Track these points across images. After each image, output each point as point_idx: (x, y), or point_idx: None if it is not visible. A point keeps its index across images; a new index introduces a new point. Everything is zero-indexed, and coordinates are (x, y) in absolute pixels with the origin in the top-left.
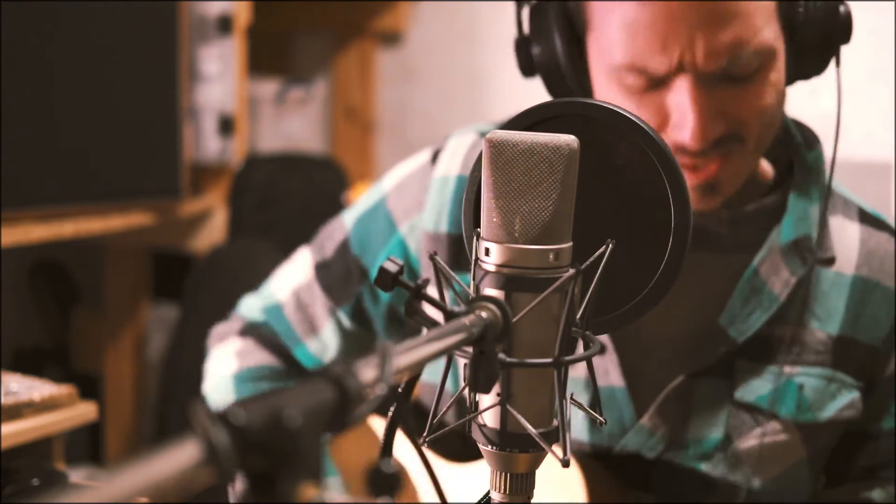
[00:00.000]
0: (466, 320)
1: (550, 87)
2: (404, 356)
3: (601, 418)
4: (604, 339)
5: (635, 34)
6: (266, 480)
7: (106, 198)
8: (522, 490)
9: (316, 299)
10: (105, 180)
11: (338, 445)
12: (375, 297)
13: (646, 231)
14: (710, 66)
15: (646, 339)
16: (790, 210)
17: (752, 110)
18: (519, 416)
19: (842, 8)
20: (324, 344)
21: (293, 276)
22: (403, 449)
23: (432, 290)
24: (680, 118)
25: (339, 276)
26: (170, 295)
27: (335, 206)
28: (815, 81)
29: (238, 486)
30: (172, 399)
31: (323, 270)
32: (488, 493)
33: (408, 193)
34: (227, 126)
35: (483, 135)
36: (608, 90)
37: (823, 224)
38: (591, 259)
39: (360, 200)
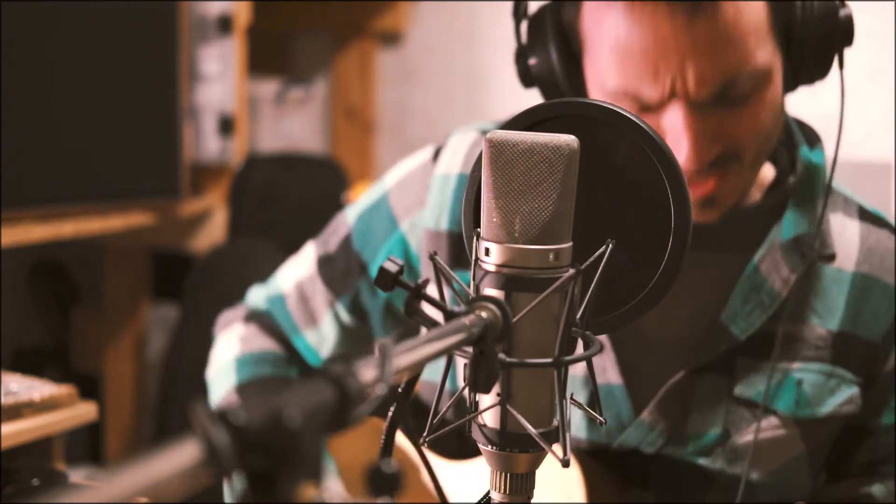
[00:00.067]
0: (466, 320)
1: (548, 99)
2: (404, 356)
3: (601, 418)
4: (601, 337)
5: (626, 62)
6: (266, 480)
7: (106, 198)
8: (522, 490)
9: (317, 292)
10: (105, 180)
11: (337, 444)
12: (374, 292)
13: (646, 231)
14: (703, 92)
15: (644, 337)
16: (791, 208)
17: (748, 131)
18: (519, 416)
19: (842, 11)
20: (322, 336)
21: (298, 268)
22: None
23: (432, 290)
24: (674, 141)
25: (340, 270)
26: (170, 295)
27: (335, 206)
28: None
29: (234, 483)
30: (172, 399)
31: (325, 264)
32: (488, 493)
33: (409, 191)
34: (227, 126)
35: (484, 133)
36: None
37: (822, 222)
38: (591, 259)
39: (363, 197)
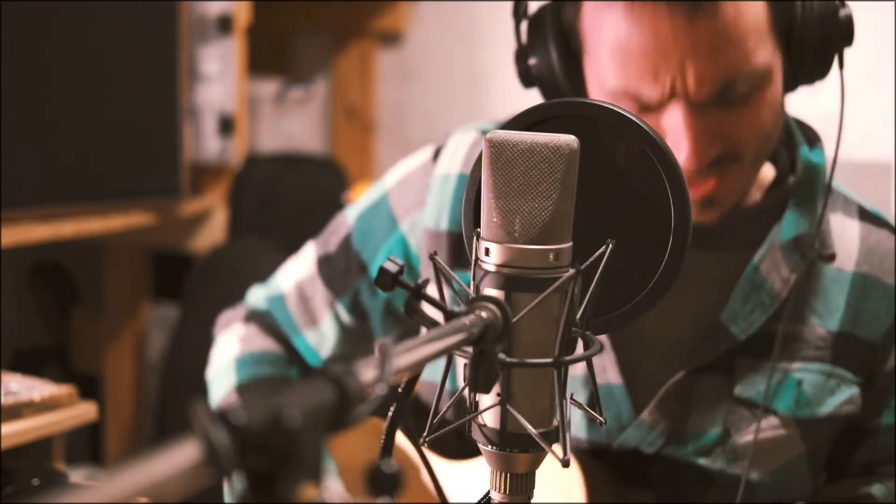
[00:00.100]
0: (466, 320)
1: (548, 99)
2: (404, 356)
3: (601, 418)
4: (601, 336)
5: (626, 63)
6: (266, 480)
7: (106, 198)
8: (522, 490)
9: (317, 292)
10: (105, 180)
11: (337, 444)
12: (373, 292)
13: (646, 231)
14: (703, 93)
15: (644, 337)
16: (791, 208)
17: (748, 131)
18: (519, 416)
19: (842, 11)
20: (322, 335)
21: (298, 268)
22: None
23: (432, 290)
24: (674, 141)
25: (340, 270)
26: (170, 295)
27: (335, 206)
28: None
29: (234, 483)
30: (172, 399)
31: (325, 264)
32: (488, 493)
33: (409, 190)
34: (227, 126)
35: (484, 133)
36: None
37: (822, 222)
38: (591, 259)
39: (363, 197)
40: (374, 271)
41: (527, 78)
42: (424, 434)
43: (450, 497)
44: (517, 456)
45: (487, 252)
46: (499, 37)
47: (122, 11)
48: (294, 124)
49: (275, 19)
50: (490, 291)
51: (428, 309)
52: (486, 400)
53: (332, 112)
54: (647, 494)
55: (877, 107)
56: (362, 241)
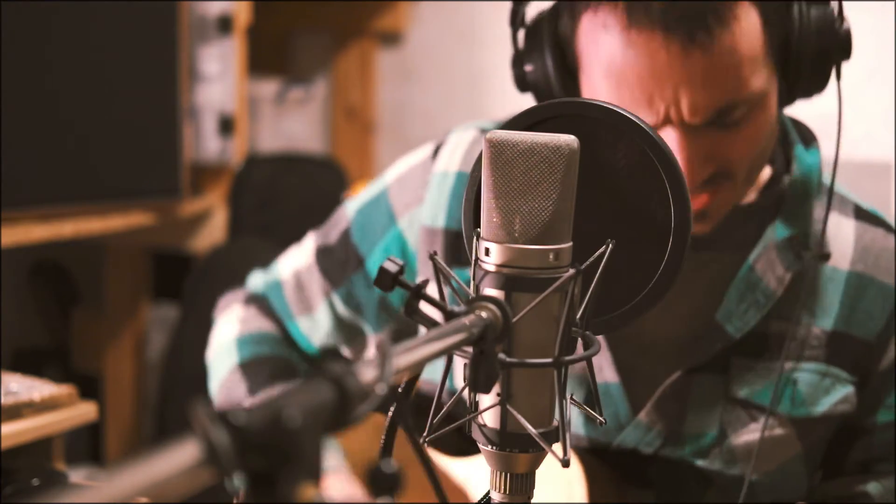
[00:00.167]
0: (466, 320)
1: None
2: (404, 356)
3: (601, 418)
4: None
5: (621, 87)
6: (266, 480)
7: (106, 198)
8: (522, 490)
9: (314, 281)
10: (105, 180)
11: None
12: (369, 286)
13: (646, 231)
14: (697, 119)
15: (640, 336)
16: (785, 207)
17: (741, 152)
18: (519, 416)
19: (840, 26)
20: (315, 323)
21: (297, 257)
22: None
23: (432, 290)
24: None
25: (337, 261)
26: (170, 295)
27: (335, 207)
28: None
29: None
30: (172, 399)
31: (323, 255)
32: (488, 493)
33: (408, 187)
34: (227, 126)
35: (484, 132)
36: None
37: (825, 221)
38: (591, 259)
39: (364, 191)
40: (370, 265)
41: (522, 83)
42: (424, 434)
43: (474, 490)
44: (517, 456)
45: (487, 252)
46: (499, 37)
47: (122, 11)
48: (294, 124)
49: (275, 19)
50: (490, 291)
51: (427, 309)
52: (486, 400)
53: (332, 112)
54: (647, 494)
55: (877, 107)
56: (361, 235)
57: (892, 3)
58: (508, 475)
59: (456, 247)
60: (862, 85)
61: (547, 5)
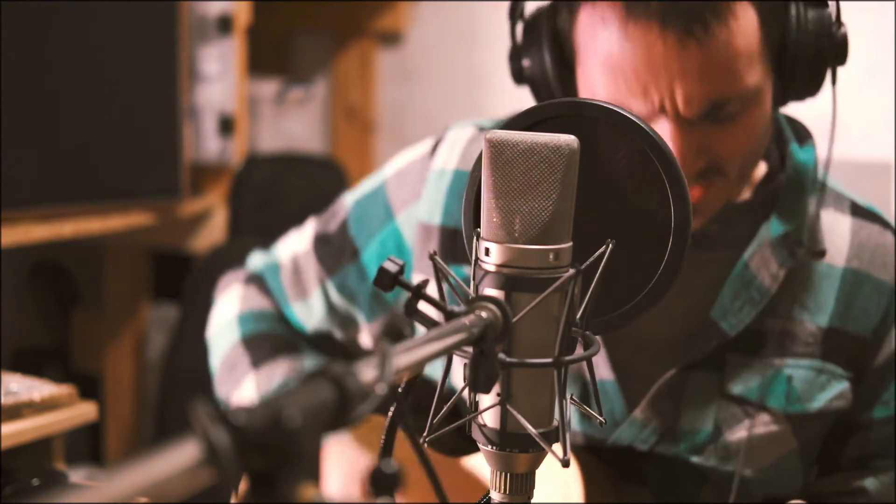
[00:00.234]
0: (466, 320)
1: (538, 99)
2: (404, 356)
3: (601, 418)
4: None
5: (617, 78)
6: (266, 480)
7: (106, 198)
8: (522, 490)
9: (310, 267)
10: (105, 180)
11: None
12: (362, 277)
13: (646, 231)
14: (691, 112)
15: (636, 334)
16: (780, 204)
17: (734, 150)
18: (519, 417)
19: (837, 30)
20: (310, 309)
21: (297, 242)
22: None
23: (432, 289)
24: None
25: (334, 250)
26: (170, 295)
27: None
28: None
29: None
30: (172, 399)
31: (321, 242)
32: (488, 492)
33: (406, 183)
34: (227, 126)
35: (482, 129)
36: None
37: (816, 218)
38: (591, 259)
39: (364, 183)
40: (366, 258)
41: (519, 77)
42: (424, 434)
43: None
44: (517, 456)
45: (487, 252)
46: (498, 37)
47: (122, 11)
48: (294, 124)
49: (275, 19)
50: (490, 291)
51: (427, 309)
52: (486, 400)
53: (332, 112)
54: (643, 492)
55: (877, 106)
56: (357, 228)
57: (892, 3)
58: (508, 475)
59: (452, 244)
60: (862, 84)
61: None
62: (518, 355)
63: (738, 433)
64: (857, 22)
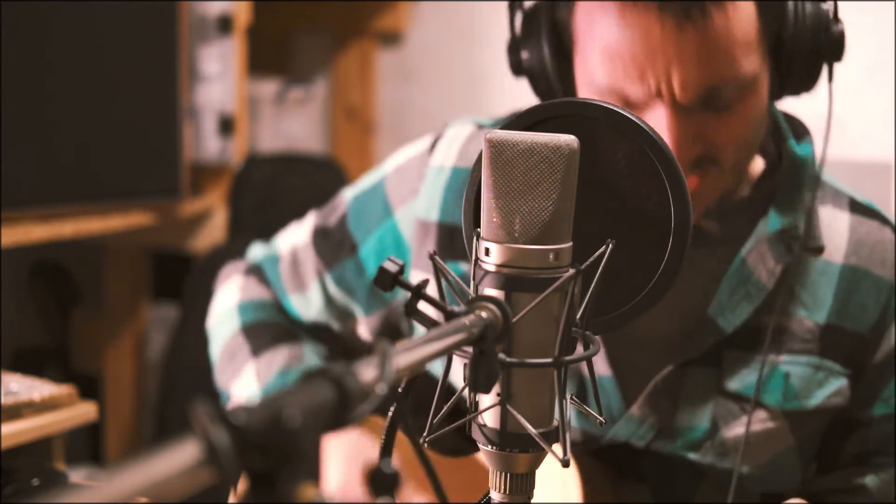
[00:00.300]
0: (466, 320)
1: (537, 91)
2: (404, 356)
3: (601, 418)
4: None
5: (614, 62)
6: (266, 480)
7: (106, 198)
8: (522, 490)
9: (308, 260)
10: (105, 180)
11: None
12: (360, 272)
13: (646, 231)
14: (687, 97)
15: (633, 331)
16: (777, 200)
17: (729, 139)
18: (519, 417)
19: (834, 27)
20: (308, 301)
21: (296, 235)
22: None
23: (431, 289)
24: None
25: (333, 244)
26: (170, 295)
27: None
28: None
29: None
30: (172, 399)
31: (320, 235)
32: (488, 492)
33: (405, 179)
34: (227, 126)
35: (481, 127)
36: None
37: (811, 214)
38: (591, 259)
39: (364, 178)
40: (363, 253)
41: (518, 69)
42: (424, 434)
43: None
44: (517, 456)
45: (487, 252)
46: (499, 36)
47: (122, 11)
48: (294, 124)
49: (275, 19)
50: (490, 291)
51: (427, 309)
52: (486, 400)
53: (332, 112)
54: (641, 489)
55: (877, 106)
56: (356, 223)
57: (892, 2)
58: (508, 475)
59: (449, 240)
60: (862, 84)
61: None
62: (518, 355)
63: (735, 430)
64: (857, 22)
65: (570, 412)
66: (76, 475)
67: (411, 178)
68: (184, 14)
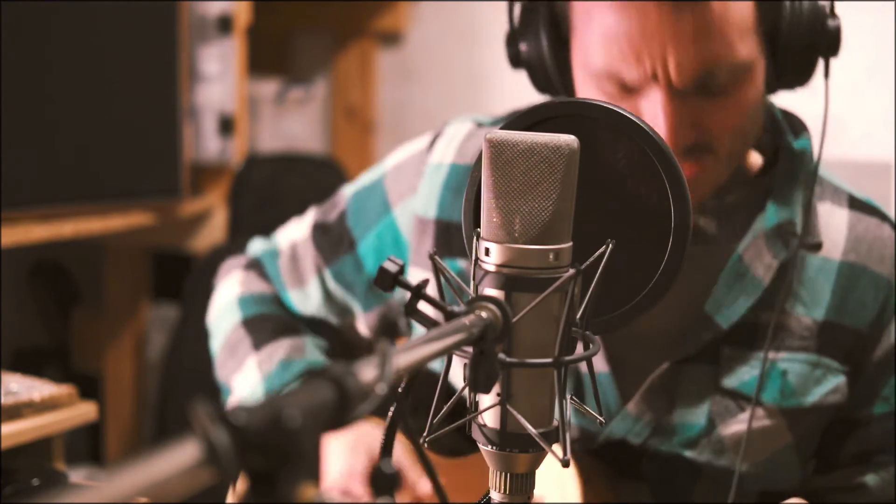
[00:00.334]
0: (466, 320)
1: (535, 82)
2: (404, 356)
3: (601, 418)
4: None
5: (611, 43)
6: (266, 480)
7: (106, 198)
8: (522, 490)
9: (308, 256)
10: (105, 180)
11: None
12: (358, 269)
13: (646, 231)
14: (682, 80)
15: (631, 328)
16: (774, 196)
17: (724, 125)
18: (519, 417)
19: (830, 21)
20: (306, 296)
21: (296, 230)
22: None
23: (431, 289)
24: (651, 123)
25: (332, 240)
26: (170, 295)
27: None
28: (815, 83)
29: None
30: (172, 399)
31: (320, 231)
32: (488, 492)
33: (404, 176)
34: (227, 126)
35: (480, 125)
36: (587, 91)
37: (808, 209)
38: (591, 259)
39: (364, 175)
40: (362, 249)
41: (516, 61)
42: (424, 434)
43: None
44: (517, 456)
45: (487, 252)
46: (498, 36)
47: (122, 11)
48: (294, 124)
49: (275, 19)
50: (490, 291)
51: (427, 309)
52: (486, 400)
53: (332, 112)
54: (640, 488)
55: (877, 106)
56: (355, 219)
57: (892, 2)
58: (508, 475)
59: (447, 237)
60: (862, 84)
61: None
62: (518, 355)
63: (732, 427)
64: (857, 22)
65: (568, 409)
66: (76, 475)
67: (410, 175)
68: (184, 14)
